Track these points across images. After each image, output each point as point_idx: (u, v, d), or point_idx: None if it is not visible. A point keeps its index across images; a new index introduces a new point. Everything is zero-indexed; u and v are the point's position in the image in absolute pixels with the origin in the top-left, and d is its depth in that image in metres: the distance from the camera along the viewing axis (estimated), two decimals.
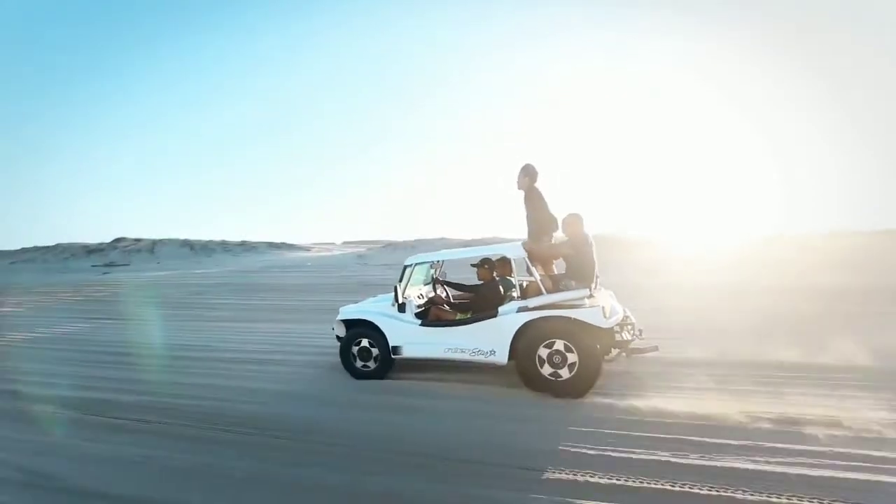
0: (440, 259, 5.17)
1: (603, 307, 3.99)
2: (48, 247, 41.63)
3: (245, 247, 34.73)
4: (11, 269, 32.95)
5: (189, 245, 34.81)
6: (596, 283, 4.26)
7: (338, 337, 5.09)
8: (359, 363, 4.80)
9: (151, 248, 34.37)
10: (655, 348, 4.23)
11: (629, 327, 4.23)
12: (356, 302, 5.68)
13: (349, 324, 4.97)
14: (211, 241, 35.38)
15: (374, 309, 4.93)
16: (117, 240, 38.41)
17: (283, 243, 36.18)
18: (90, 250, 36.68)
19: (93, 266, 31.96)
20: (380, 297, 5.62)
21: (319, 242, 37.13)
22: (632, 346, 4.18)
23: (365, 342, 4.75)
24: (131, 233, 40.19)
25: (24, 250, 43.91)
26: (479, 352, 4.29)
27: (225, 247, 34.54)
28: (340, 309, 5.19)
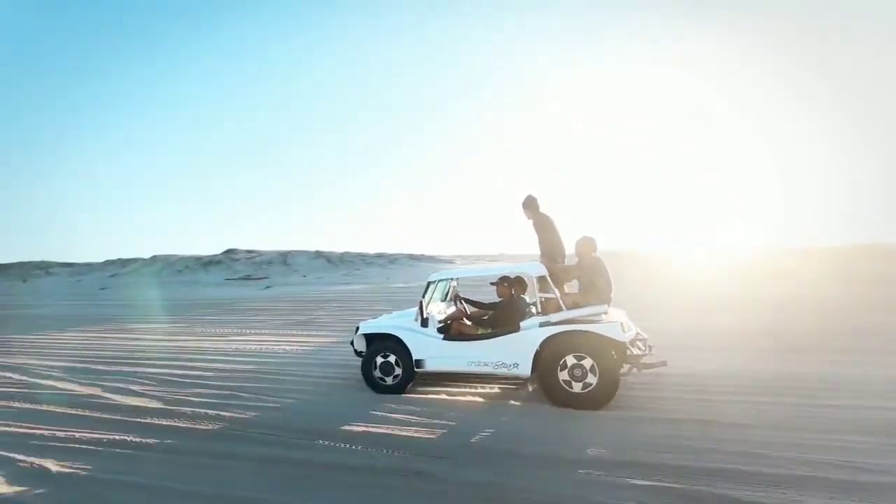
0: (460, 276, 5.31)
1: (621, 322, 4.12)
2: (143, 259, 37.66)
3: (386, 259, 31.09)
4: (131, 282, 28.97)
5: (324, 257, 31.09)
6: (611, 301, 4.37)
7: (357, 352, 5.10)
8: (382, 377, 4.78)
9: (284, 260, 30.59)
10: (664, 363, 4.24)
11: (640, 343, 4.32)
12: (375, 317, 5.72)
13: (370, 339, 4.98)
14: (347, 253, 31.71)
15: (397, 324, 4.94)
16: (229, 251, 34.58)
17: (422, 255, 32.62)
18: (205, 262, 32.79)
19: (227, 280, 28.11)
20: (395, 313, 5.70)
21: (460, 255, 33.58)
22: (642, 361, 4.18)
23: (388, 357, 4.76)
24: (229, 244, 36.41)
25: (109, 262, 39.86)
26: (503, 365, 4.38)
27: (364, 259, 30.87)
28: (360, 324, 5.17)
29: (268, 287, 23.72)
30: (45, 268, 42.36)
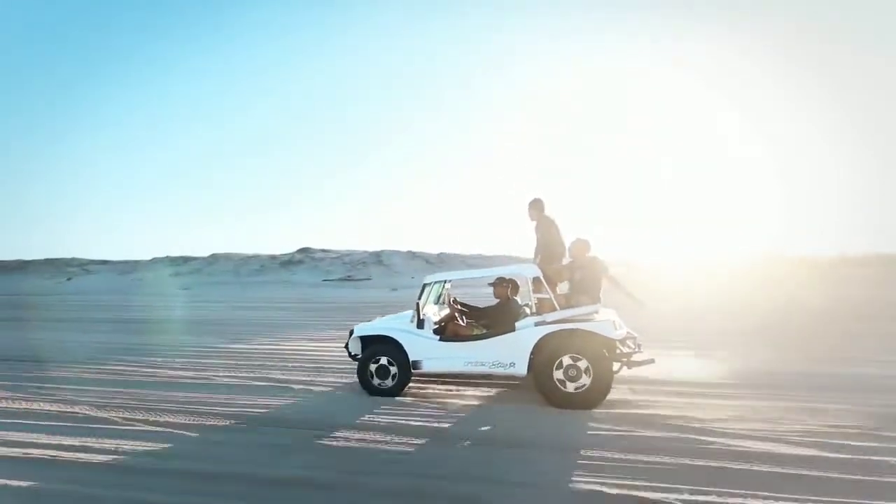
0: (456, 278, 5.34)
1: (613, 321, 4.27)
2: (201, 257, 34.43)
3: (486, 259, 28.95)
4: (217, 281, 26.00)
5: (421, 258, 28.73)
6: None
7: (351, 355, 5.05)
8: (377, 380, 4.75)
9: (378, 261, 28.12)
10: (652, 361, 4.36)
11: (630, 341, 4.40)
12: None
13: (365, 342, 4.96)
14: (443, 254, 29.42)
15: (392, 326, 4.95)
16: (302, 250, 31.83)
17: (518, 256, 30.56)
18: (283, 261, 30.00)
19: (325, 280, 25.46)
20: (388, 316, 5.65)
21: None
22: (632, 358, 4.32)
23: (383, 359, 4.75)
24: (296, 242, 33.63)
25: (157, 260, 36.45)
26: (500, 364, 4.45)
27: (464, 260, 28.66)
28: (355, 327, 5.11)
29: (394, 290, 21.29)
30: (77, 265, 38.64)
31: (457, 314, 5.09)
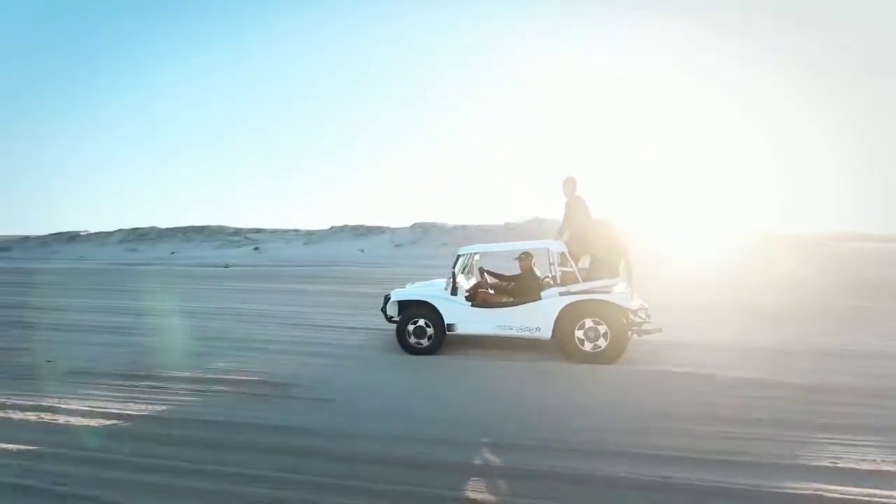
0: (486, 251, 5.92)
1: (629, 293, 4.95)
2: (402, 228, 29.52)
3: None
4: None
5: None
6: (623, 275, 5.12)
7: (388, 318, 5.70)
8: (414, 340, 5.44)
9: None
10: (660, 330, 5.00)
11: (641, 311, 4.99)
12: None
13: (402, 306, 5.61)
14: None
15: (428, 292, 5.57)
16: (537, 220, 26.77)
17: None
18: (520, 233, 24.96)
19: None
20: (418, 283, 6.25)
21: None
22: (643, 327, 4.94)
23: (421, 322, 5.41)
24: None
25: (335, 230, 31.57)
26: (526, 329, 5.15)
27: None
28: (392, 292, 5.72)
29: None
30: (227, 233, 33.92)
31: (487, 283, 5.76)
